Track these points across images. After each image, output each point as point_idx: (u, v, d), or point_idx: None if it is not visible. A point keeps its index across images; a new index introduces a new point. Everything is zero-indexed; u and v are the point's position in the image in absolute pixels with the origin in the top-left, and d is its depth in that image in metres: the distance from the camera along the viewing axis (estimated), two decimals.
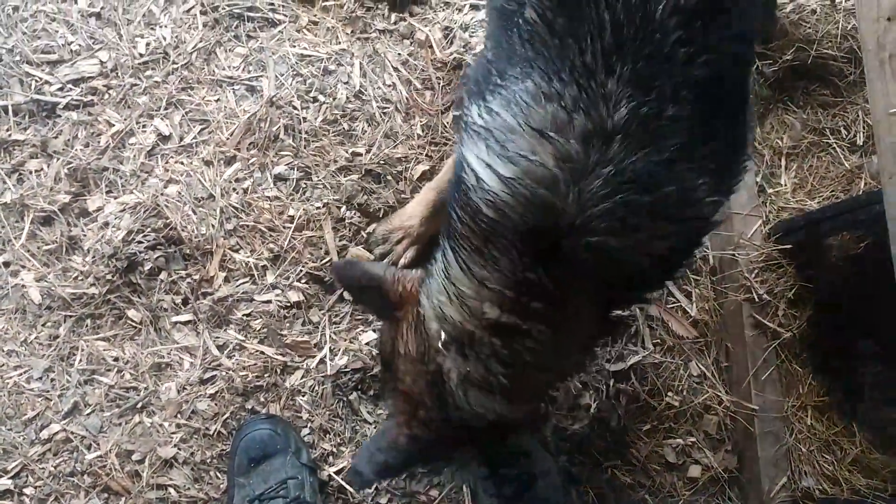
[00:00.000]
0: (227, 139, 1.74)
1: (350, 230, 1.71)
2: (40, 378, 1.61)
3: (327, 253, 1.69)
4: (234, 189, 1.71)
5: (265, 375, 1.62)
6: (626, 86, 0.96)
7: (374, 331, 1.67)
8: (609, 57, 0.96)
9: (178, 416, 1.60)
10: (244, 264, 1.67)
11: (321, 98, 1.78)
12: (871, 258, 1.74)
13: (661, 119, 0.98)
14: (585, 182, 0.98)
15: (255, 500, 1.48)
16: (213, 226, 1.67)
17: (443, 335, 1.12)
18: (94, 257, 1.64)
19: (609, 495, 1.65)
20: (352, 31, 1.86)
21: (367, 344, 1.66)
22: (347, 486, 1.59)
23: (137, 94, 1.76)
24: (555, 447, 1.66)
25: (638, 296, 1.29)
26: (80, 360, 1.62)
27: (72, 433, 1.58)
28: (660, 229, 1.04)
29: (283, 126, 1.74)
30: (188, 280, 1.65)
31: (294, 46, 1.82)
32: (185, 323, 1.65)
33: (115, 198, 1.69)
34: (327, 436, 1.63)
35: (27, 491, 1.55)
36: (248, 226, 1.69)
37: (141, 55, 1.78)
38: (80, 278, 1.64)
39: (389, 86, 1.82)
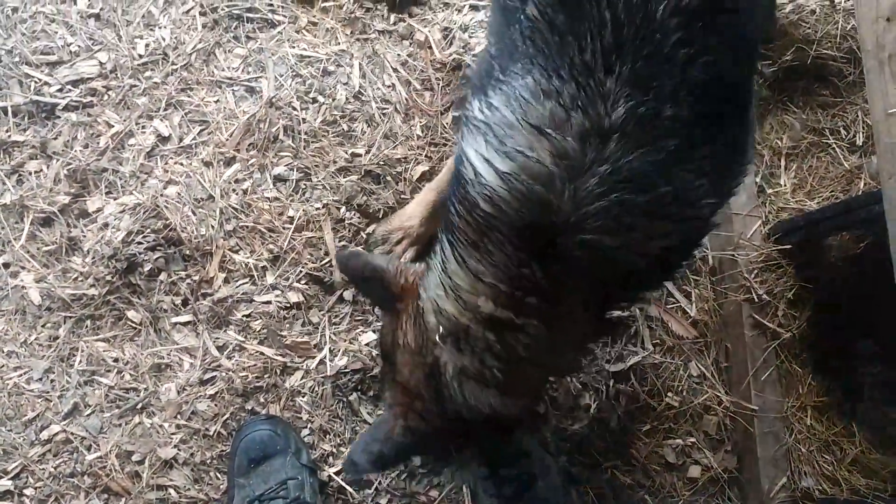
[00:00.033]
0: (227, 140, 1.74)
1: (349, 231, 1.71)
2: (40, 379, 1.61)
3: (327, 254, 1.69)
4: (234, 190, 1.71)
5: (265, 376, 1.62)
6: (624, 85, 0.97)
7: (373, 332, 1.67)
8: (609, 56, 0.97)
9: (178, 416, 1.60)
10: (244, 265, 1.67)
11: (320, 99, 1.78)
12: (870, 258, 1.74)
13: (658, 119, 0.98)
14: (581, 180, 0.98)
15: (256, 500, 1.48)
16: (212, 227, 1.67)
17: (441, 328, 1.12)
18: (93, 258, 1.64)
19: (609, 495, 1.65)
20: (351, 32, 1.86)
21: (366, 345, 1.66)
22: (347, 487, 1.60)
23: (137, 95, 1.76)
24: (555, 447, 1.66)
25: (634, 295, 1.29)
26: (80, 361, 1.62)
27: (72, 434, 1.58)
28: (655, 229, 1.04)
29: (282, 127, 1.74)
30: (188, 281, 1.65)
31: (293, 47, 1.82)
32: (185, 324, 1.65)
33: (115, 199, 1.69)
34: (327, 436, 1.63)
35: (27, 492, 1.55)
36: (247, 227, 1.69)
37: (140, 56, 1.78)
38: (79, 279, 1.64)
39: (389, 86, 1.82)
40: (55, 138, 1.72)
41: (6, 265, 1.65)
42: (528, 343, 1.09)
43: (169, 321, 1.65)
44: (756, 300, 1.71)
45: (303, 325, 1.67)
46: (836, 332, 1.78)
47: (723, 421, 1.73)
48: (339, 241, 1.70)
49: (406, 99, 1.80)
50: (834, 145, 1.87)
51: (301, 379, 1.64)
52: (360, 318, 1.69)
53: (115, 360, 1.62)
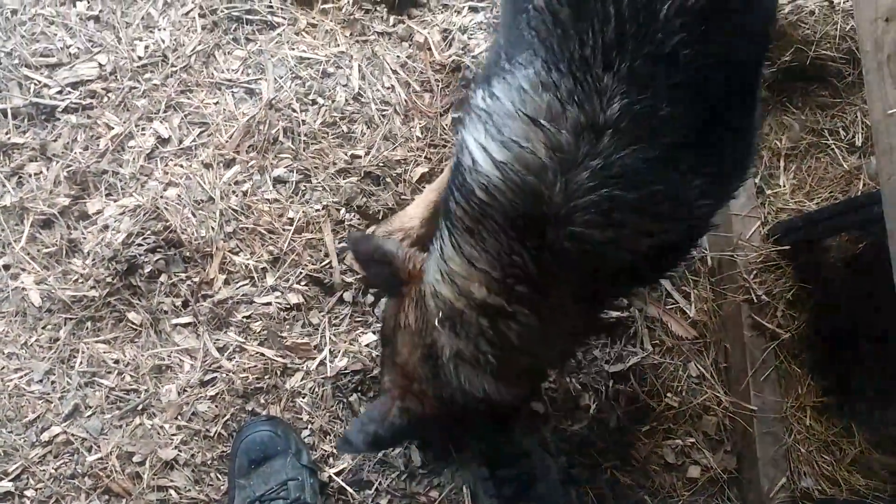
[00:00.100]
0: (227, 142, 1.74)
1: (349, 232, 1.71)
2: (41, 380, 1.61)
3: (327, 255, 1.69)
4: (234, 191, 1.71)
5: (265, 377, 1.63)
6: (621, 82, 0.97)
7: (373, 333, 1.67)
8: (609, 52, 0.97)
9: (179, 417, 1.61)
10: (244, 266, 1.68)
11: (320, 100, 1.78)
12: (869, 259, 1.75)
13: (654, 118, 0.98)
14: (573, 173, 0.99)
15: (256, 501, 1.48)
16: (212, 228, 1.68)
17: (440, 312, 1.15)
18: (94, 260, 1.64)
19: (608, 496, 1.66)
20: (350, 34, 1.86)
21: (366, 346, 1.66)
22: (348, 488, 1.60)
23: (136, 97, 1.76)
24: (554, 448, 1.66)
25: (626, 290, 1.30)
26: (81, 363, 1.62)
27: (72, 435, 1.59)
28: (646, 227, 1.05)
29: (282, 129, 1.75)
30: (188, 282, 1.65)
31: (293, 49, 1.82)
32: (186, 325, 1.66)
33: (115, 201, 1.70)
34: (327, 437, 1.63)
35: (28, 493, 1.55)
36: (247, 228, 1.69)
37: (140, 58, 1.78)
38: (80, 281, 1.64)
39: (388, 88, 1.82)
40: (55, 140, 1.72)
41: (6, 267, 1.66)
42: (519, 331, 1.11)
43: (169, 323, 1.65)
44: (755, 301, 1.72)
45: (303, 327, 1.68)
46: (835, 332, 1.78)
47: (722, 421, 1.73)
48: (339, 243, 1.70)
49: (405, 100, 1.81)
50: (833, 146, 1.87)
51: (301, 380, 1.64)
52: (360, 319, 1.69)
53: (116, 362, 1.63)
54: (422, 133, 1.79)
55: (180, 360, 1.64)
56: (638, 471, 1.68)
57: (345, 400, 1.65)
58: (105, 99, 1.75)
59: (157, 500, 1.56)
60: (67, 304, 1.63)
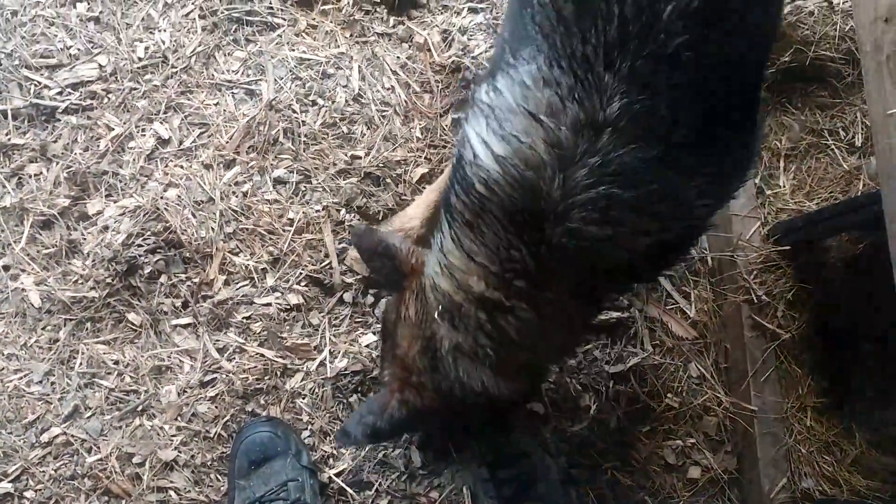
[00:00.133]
0: (227, 143, 1.74)
1: (353, 226, 1.71)
2: (40, 381, 1.61)
3: (327, 256, 1.69)
4: (234, 192, 1.72)
5: (265, 378, 1.62)
6: (622, 81, 0.97)
7: (373, 333, 1.67)
8: (610, 51, 0.98)
9: (179, 418, 1.60)
10: (244, 267, 1.68)
11: (320, 101, 1.78)
12: (869, 259, 1.75)
13: (653, 118, 0.99)
14: (571, 170, 1.00)
15: (256, 502, 1.48)
16: (212, 229, 1.68)
17: (439, 305, 1.16)
18: (93, 261, 1.64)
19: (609, 496, 1.66)
20: (350, 35, 1.86)
21: (366, 346, 1.66)
22: (348, 489, 1.60)
23: (136, 97, 1.76)
24: (555, 448, 1.66)
25: (623, 288, 1.30)
26: (81, 364, 1.62)
27: (72, 436, 1.58)
28: (643, 225, 1.05)
29: (282, 129, 1.75)
30: (188, 283, 1.65)
31: (293, 50, 1.82)
32: (185, 326, 1.66)
33: (115, 201, 1.70)
34: (327, 438, 1.63)
35: (28, 494, 1.55)
36: (247, 229, 1.69)
37: (140, 59, 1.78)
38: (79, 282, 1.64)
39: (388, 89, 1.82)
40: (55, 141, 1.72)
41: (6, 268, 1.66)
42: (518, 326, 1.12)
43: (169, 323, 1.65)
44: (755, 301, 1.72)
45: (303, 327, 1.67)
46: (835, 332, 1.78)
47: (722, 422, 1.73)
48: (339, 244, 1.70)
49: (405, 101, 1.81)
50: (833, 146, 1.87)
51: (301, 381, 1.64)
52: (360, 320, 1.69)
53: (116, 363, 1.63)
54: (422, 134, 1.79)
55: (180, 360, 1.64)
56: (638, 471, 1.68)
57: (345, 401, 1.64)
58: (105, 100, 1.75)
59: (157, 501, 1.56)
60: (67, 304, 1.63)
